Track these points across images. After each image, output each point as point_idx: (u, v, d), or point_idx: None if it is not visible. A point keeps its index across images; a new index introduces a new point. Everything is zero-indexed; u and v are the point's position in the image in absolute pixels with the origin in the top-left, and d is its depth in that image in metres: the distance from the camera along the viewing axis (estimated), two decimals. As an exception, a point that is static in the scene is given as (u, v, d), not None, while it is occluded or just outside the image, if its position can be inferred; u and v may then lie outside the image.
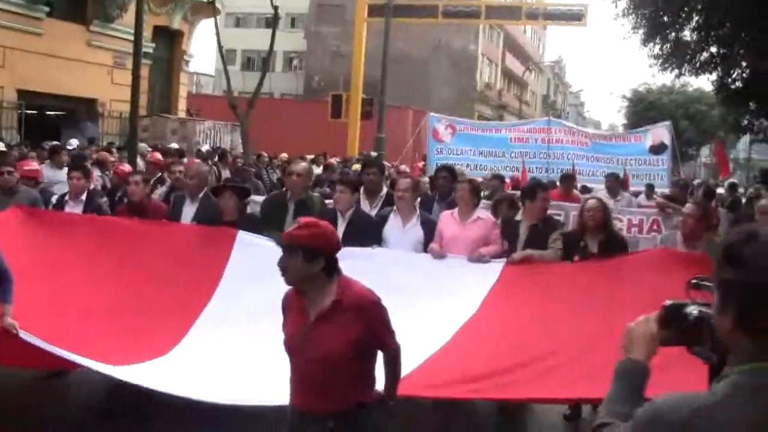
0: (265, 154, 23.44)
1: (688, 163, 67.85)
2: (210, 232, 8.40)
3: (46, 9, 24.27)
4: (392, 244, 8.48)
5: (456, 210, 8.76)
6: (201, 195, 9.58)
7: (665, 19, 25.84)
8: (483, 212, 8.97)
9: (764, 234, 2.12)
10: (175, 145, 22.56)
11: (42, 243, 7.81)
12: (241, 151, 24.14)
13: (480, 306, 7.25)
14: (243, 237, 8.22)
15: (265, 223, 8.72)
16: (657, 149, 18.90)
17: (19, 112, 23.61)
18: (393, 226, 8.63)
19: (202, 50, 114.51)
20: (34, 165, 11.60)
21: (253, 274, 7.50)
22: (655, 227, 12.62)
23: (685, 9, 24.18)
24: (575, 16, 34.27)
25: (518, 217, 8.82)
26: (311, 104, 47.80)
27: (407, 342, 5.91)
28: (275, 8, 21.37)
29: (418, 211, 8.80)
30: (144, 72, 23.32)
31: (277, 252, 7.79)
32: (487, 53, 66.64)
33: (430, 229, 8.60)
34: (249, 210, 9.94)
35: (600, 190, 15.57)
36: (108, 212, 9.86)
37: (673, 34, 26.68)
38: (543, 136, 19.38)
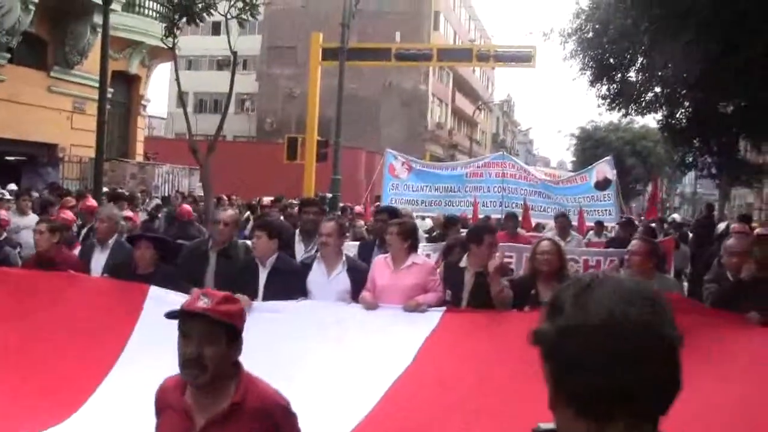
0: (225, 197, 23.81)
1: (635, 198, 69.23)
2: (119, 288, 7.46)
3: (7, 55, 24.52)
4: (316, 295, 7.64)
5: (389, 255, 7.91)
6: (112, 241, 8.98)
7: (611, 60, 26.66)
8: (419, 257, 8.17)
9: (587, 277, 1.76)
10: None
11: None
12: (200, 194, 24.45)
13: (415, 358, 6.46)
14: (156, 293, 7.20)
15: (183, 276, 7.89)
16: (602, 185, 18.94)
17: (-20, 157, 23.79)
18: (317, 275, 7.80)
19: (153, 93, 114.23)
20: None
21: (163, 331, 6.70)
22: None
23: (630, 51, 25.05)
24: (524, 58, 35.02)
25: (463, 263, 7.80)
26: (266, 146, 48.23)
27: (330, 411, 5.70)
28: (233, 53, 21.78)
29: (344, 257, 7.97)
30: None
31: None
32: (438, 93, 67.57)
33: (358, 276, 7.80)
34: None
35: (552, 228, 15.64)
36: (17, 263, 9.25)
37: (619, 75, 27.52)
38: (498, 170, 19.27)
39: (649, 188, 78.47)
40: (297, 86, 55.81)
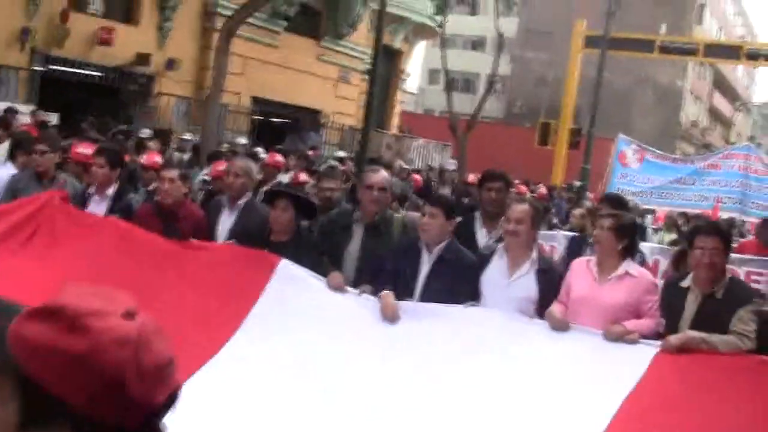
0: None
1: None
2: (245, 258, 6.28)
3: (285, 23, 25.89)
4: (488, 299, 5.90)
5: (594, 258, 5.98)
6: (243, 202, 7.38)
7: None
8: (636, 266, 5.95)
9: None
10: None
11: (50, 244, 6.48)
12: (450, 169, 24.94)
13: (615, 415, 4.73)
14: (286, 269, 6.06)
15: (323, 252, 6.66)
16: None
17: (252, 117, 25.28)
18: (495, 273, 5.97)
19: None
20: (87, 148, 8.89)
21: (285, 319, 5.76)
22: None
23: None
24: (799, 59, 33.30)
25: (686, 281, 5.81)
26: (516, 129, 48.21)
27: None
28: (500, 34, 22.10)
29: (534, 254, 5.98)
30: (365, 87, 24.56)
31: (324, 292, 5.95)
32: (695, 90, 65.16)
33: (550, 282, 5.90)
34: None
35: None
36: None
37: None
38: (740, 163, 17.41)
39: None
40: (550, 71, 55.31)
